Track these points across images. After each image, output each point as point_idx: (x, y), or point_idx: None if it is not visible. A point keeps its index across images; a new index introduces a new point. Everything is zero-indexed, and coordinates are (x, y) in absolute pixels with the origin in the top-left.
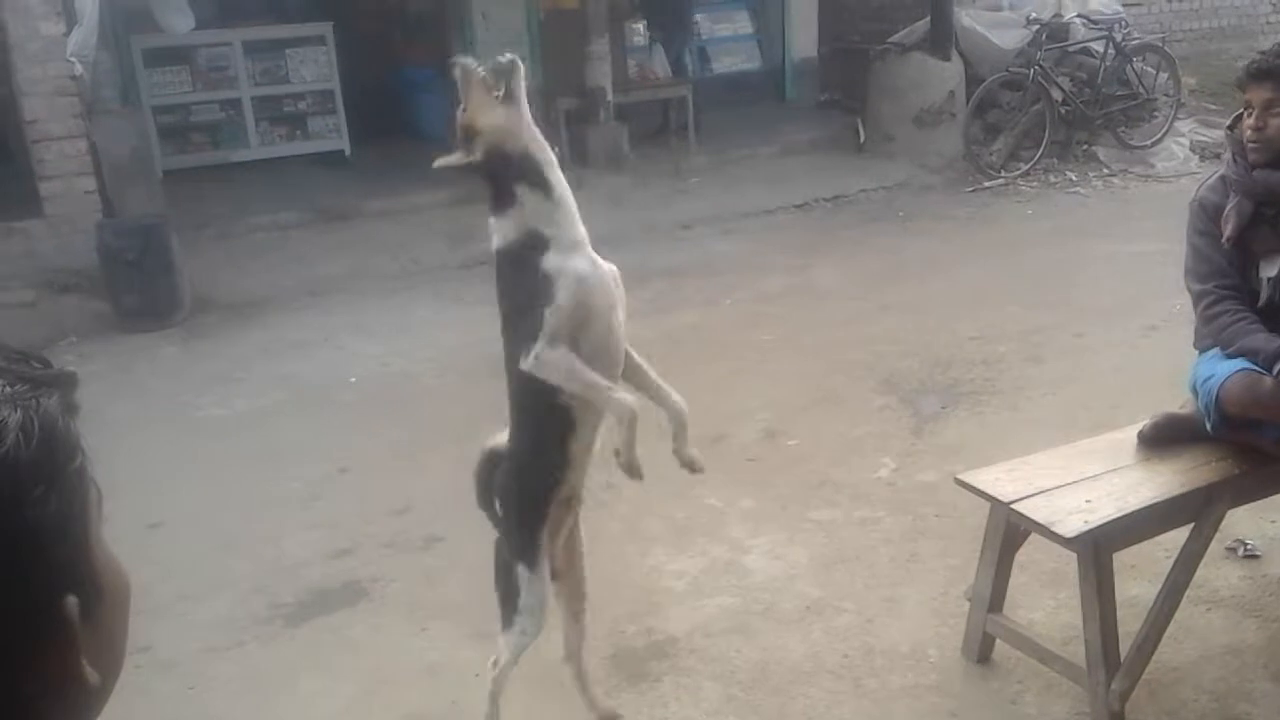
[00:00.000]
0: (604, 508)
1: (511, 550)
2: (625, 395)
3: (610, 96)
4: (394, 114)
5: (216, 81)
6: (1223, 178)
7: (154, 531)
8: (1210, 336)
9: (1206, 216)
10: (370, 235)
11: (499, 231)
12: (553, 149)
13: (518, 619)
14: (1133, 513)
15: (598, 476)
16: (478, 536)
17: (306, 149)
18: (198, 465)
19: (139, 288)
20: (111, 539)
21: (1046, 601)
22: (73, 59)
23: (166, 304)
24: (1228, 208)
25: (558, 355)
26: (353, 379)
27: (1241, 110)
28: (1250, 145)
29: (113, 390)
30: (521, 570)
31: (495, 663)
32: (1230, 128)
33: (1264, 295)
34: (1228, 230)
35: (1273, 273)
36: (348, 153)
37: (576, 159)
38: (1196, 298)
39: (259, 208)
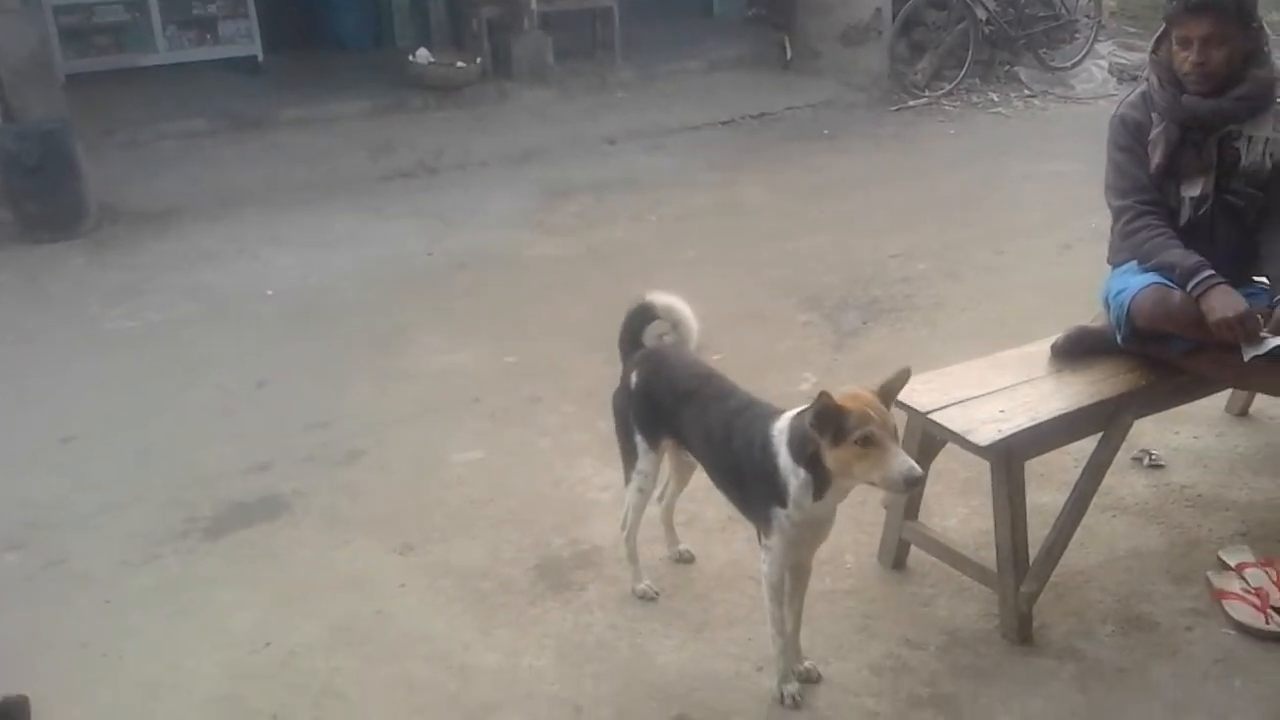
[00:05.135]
0: (532, 423)
1: (639, 432)
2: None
3: (534, 5)
4: (310, 20)
5: None
6: (1144, 94)
7: (67, 445)
8: (1129, 250)
9: (1128, 132)
10: (286, 145)
11: None
12: (475, 59)
13: (635, 476)
14: (1044, 422)
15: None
16: (401, 451)
17: (217, 54)
18: (109, 377)
19: (42, 195)
20: (24, 451)
21: (960, 509)
22: None
23: (71, 212)
24: (1154, 133)
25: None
26: (269, 291)
27: (1161, 32)
28: (1191, 79)
29: (19, 301)
30: (640, 442)
31: (624, 522)
32: (1154, 51)
33: (1185, 214)
34: (1156, 157)
35: (1194, 192)
36: (260, 59)
37: (500, 70)
38: (1116, 213)
39: (168, 114)
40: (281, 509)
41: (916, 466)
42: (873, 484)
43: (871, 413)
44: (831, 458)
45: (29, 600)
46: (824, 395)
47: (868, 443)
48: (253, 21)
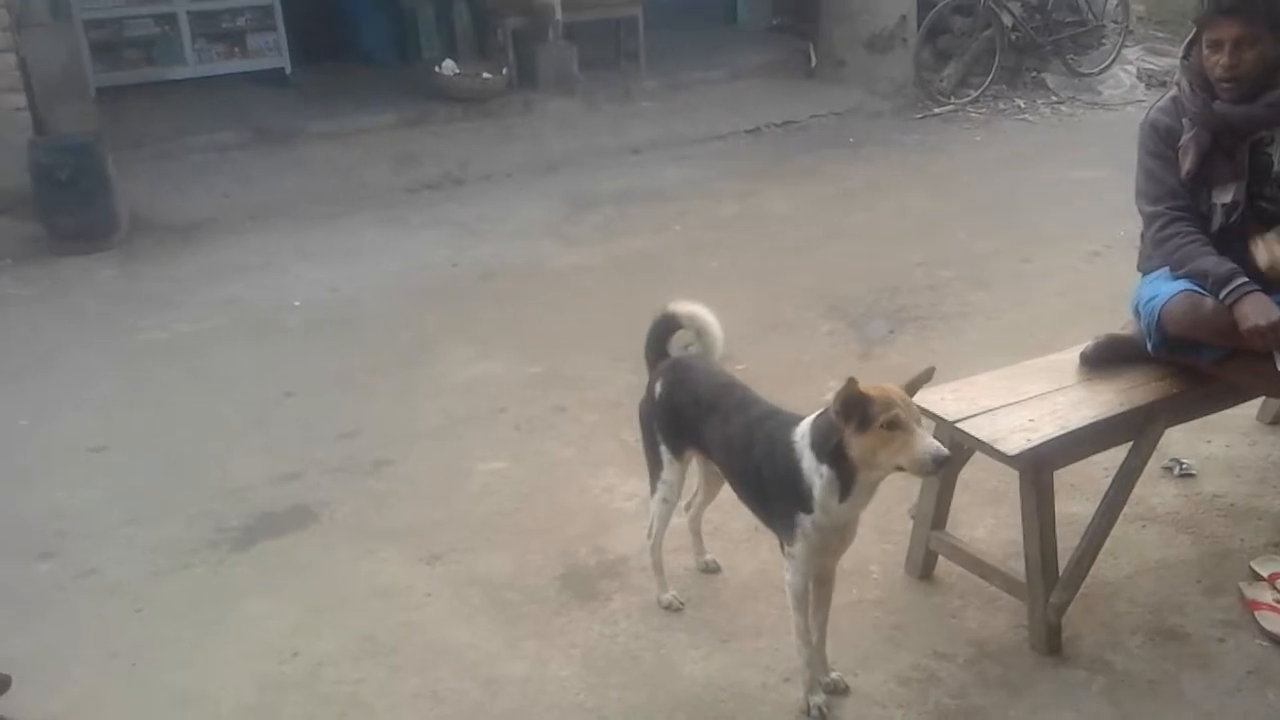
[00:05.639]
0: (557, 433)
1: (663, 442)
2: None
3: (559, 15)
4: (337, 33)
5: None
6: (1174, 99)
7: (97, 455)
8: (1161, 258)
9: (1159, 138)
10: (313, 157)
11: None
12: (500, 70)
13: (660, 486)
14: (1073, 431)
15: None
16: (428, 461)
17: (246, 67)
18: (140, 389)
19: (73, 208)
20: (56, 461)
21: (988, 519)
22: None
23: (103, 225)
24: (1185, 138)
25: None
26: (297, 303)
27: (1191, 37)
28: (1224, 84)
29: (51, 313)
30: (665, 452)
31: (650, 531)
32: (1184, 56)
33: (1217, 221)
34: (1187, 164)
35: (1226, 199)
36: (289, 72)
37: (525, 81)
38: (1148, 219)
39: (197, 127)
40: (310, 519)
41: (943, 447)
42: (900, 469)
43: (896, 398)
44: (857, 445)
45: (60, 609)
46: (851, 381)
47: (893, 426)
48: (281, 35)
